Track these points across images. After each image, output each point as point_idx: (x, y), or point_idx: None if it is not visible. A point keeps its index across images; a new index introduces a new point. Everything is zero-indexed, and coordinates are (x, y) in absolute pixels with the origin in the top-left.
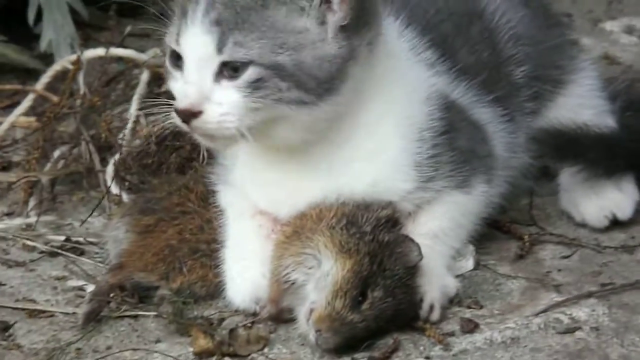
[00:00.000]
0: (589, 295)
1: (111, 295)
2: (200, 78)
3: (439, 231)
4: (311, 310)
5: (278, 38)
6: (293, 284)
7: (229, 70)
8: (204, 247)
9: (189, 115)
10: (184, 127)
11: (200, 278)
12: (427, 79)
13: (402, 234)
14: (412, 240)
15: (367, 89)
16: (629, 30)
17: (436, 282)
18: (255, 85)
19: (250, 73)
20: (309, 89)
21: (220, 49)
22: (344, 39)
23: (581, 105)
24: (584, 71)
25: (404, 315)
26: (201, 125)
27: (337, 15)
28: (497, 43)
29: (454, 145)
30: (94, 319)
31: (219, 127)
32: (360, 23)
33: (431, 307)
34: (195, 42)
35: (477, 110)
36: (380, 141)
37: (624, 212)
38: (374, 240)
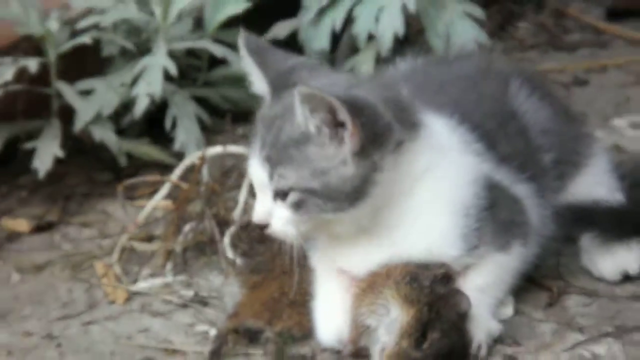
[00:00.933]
0: (607, 335)
1: (229, 337)
2: (264, 199)
3: (484, 285)
4: (383, 349)
5: (310, 168)
6: (368, 327)
7: (280, 194)
8: (299, 299)
9: (261, 227)
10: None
11: (296, 323)
12: (475, 166)
13: (454, 288)
14: (462, 293)
15: (411, 181)
16: (634, 126)
17: (483, 326)
18: (298, 204)
19: (292, 197)
20: (341, 200)
21: (271, 179)
22: (360, 159)
23: (596, 183)
24: (598, 156)
25: (458, 353)
26: (271, 232)
27: (347, 146)
28: (528, 136)
29: (496, 217)
30: (217, 357)
31: (284, 234)
32: (374, 145)
33: (479, 347)
34: (256, 172)
35: (516, 188)
36: (432, 218)
37: (633, 268)
38: (432, 293)
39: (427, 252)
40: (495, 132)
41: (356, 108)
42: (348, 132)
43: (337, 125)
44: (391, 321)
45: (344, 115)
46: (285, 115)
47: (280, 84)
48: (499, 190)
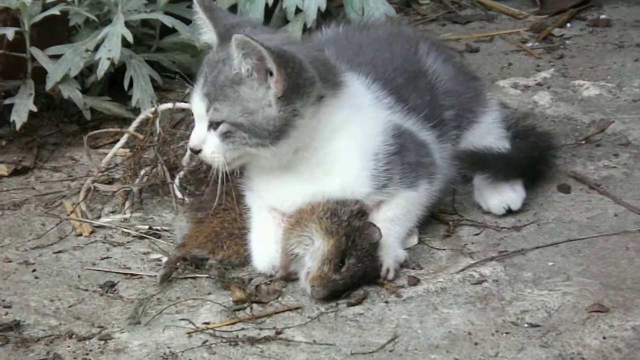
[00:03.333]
0: (492, 259)
1: (178, 264)
2: (200, 128)
3: (394, 218)
4: (308, 273)
5: (241, 106)
6: (296, 255)
7: (214, 125)
8: (237, 232)
9: (194, 152)
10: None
11: (235, 252)
12: (386, 118)
13: (368, 222)
14: (374, 226)
15: (330, 130)
16: (515, 86)
17: (391, 253)
18: (226, 135)
19: (222, 127)
20: (263, 137)
21: (207, 111)
22: (283, 105)
23: (488, 133)
24: (490, 111)
25: (370, 275)
26: (202, 158)
27: (272, 91)
28: (435, 92)
29: (405, 160)
30: (167, 279)
31: (212, 160)
32: (297, 94)
33: (387, 270)
34: (196, 105)
35: (423, 134)
36: (347, 162)
37: (516, 204)
38: (349, 226)
39: (343, 191)
40: (405, 86)
41: (283, 59)
42: (273, 78)
43: (266, 71)
44: (315, 250)
45: (270, 64)
46: (226, 59)
47: (226, 35)
48: (407, 137)
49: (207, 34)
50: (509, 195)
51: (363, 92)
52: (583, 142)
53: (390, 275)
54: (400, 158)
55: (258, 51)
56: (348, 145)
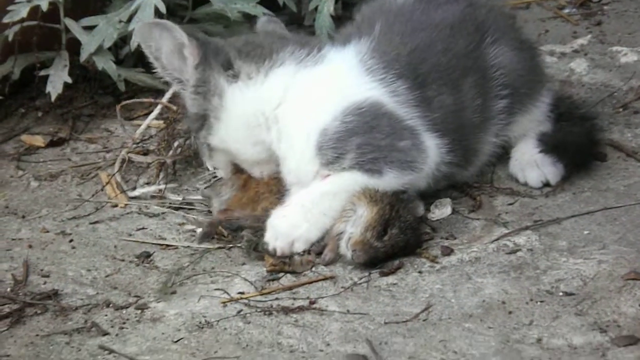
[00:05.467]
0: (526, 228)
1: (219, 226)
2: None
3: (325, 191)
4: (349, 239)
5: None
6: (341, 233)
7: None
8: (276, 189)
9: None
10: None
11: (273, 206)
12: (348, 97)
13: (413, 195)
14: (419, 200)
15: (271, 108)
16: (552, 54)
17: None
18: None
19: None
20: (199, 123)
21: None
22: (199, 75)
23: (536, 119)
24: (545, 97)
25: (411, 248)
26: None
27: (189, 60)
28: (489, 86)
29: (366, 141)
30: (207, 239)
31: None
32: (210, 62)
33: (274, 250)
34: None
35: (415, 122)
36: (294, 143)
37: (554, 179)
38: (394, 196)
39: (296, 169)
40: (439, 82)
41: (190, 31)
42: (187, 48)
43: (179, 49)
44: (357, 217)
45: (179, 33)
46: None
47: None
48: (381, 118)
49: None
50: (549, 169)
51: (334, 69)
52: (620, 109)
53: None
54: (360, 137)
55: (164, 26)
56: (293, 124)
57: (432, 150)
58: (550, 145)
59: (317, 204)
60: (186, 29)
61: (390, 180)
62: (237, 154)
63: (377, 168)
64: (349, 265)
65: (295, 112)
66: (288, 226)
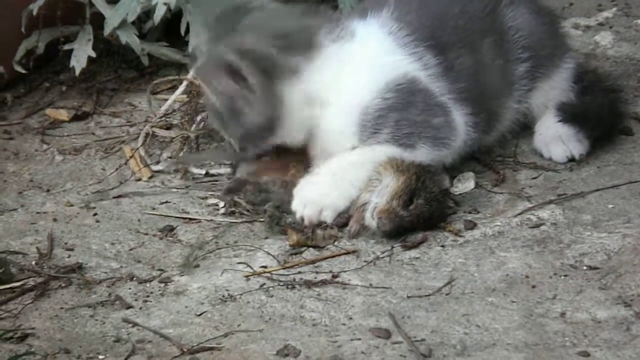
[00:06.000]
0: (550, 202)
1: (246, 186)
2: None
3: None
4: (374, 208)
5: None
6: (366, 203)
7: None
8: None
9: None
10: None
11: (302, 176)
12: (391, 70)
13: (439, 168)
14: (445, 173)
15: (318, 93)
16: (577, 27)
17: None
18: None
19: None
20: (261, 133)
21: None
22: (263, 92)
23: (557, 86)
24: (567, 63)
25: (436, 221)
26: None
27: (250, 81)
28: (508, 48)
29: (403, 116)
30: (232, 194)
31: None
32: (271, 79)
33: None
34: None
35: (445, 98)
36: (335, 120)
37: (579, 154)
38: (420, 166)
39: (334, 145)
40: (458, 46)
41: (247, 61)
42: (243, 71)
43: (236, 77)
44: (383, 186)
45: (240, 68)
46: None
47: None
48: (417, 93)
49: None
50: (575, 144)
51: (367, 43)
52: None
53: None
54: (398, 113)
55: (221, 66)
56: (335, 101)
57: (462, 127)
58: (570, 114)
59: (346, 173)
60: (233, 50)
61: (421, 155)
62: (283, 142)
63: (412, 142)
64: (373, 237)
65: (336, 91)
66: (317, 194)
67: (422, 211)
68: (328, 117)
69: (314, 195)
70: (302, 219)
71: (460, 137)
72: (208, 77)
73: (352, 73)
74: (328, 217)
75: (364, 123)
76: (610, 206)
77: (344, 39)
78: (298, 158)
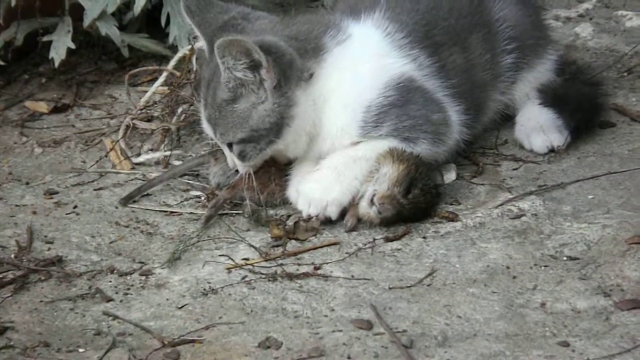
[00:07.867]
0: (531, 193)
1: (224, 205)
2: (225, 150)
3: (355, 157)
4: (374, 195)
5: (240, 121)
6: (361, 197)
7: (229, 145)
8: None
9: (236, 171)
10: None
11: (280, 190)
12: (390, 71)
13: (435, 164)
14: (440, 170)
15: (324, 96)
16: (556, 18)
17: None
18: (241, 154)
19: (235, 149)
20: (267, 136)
21: (215, 136)
22: (277, 95)
23: (540, 77)
24: (550, 55)
25: (426, 214)
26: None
27: (267, 83)
28: (495, 40)
29: (403, 112)
30: (211, 220)
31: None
32: (285, 78)
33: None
34: (206, 129)
35: (440, 94)
36: (337, 120)
37: (559, 145)
38: (419, 158)
39: (335, 142)
40: (448, 44)
41: (265, 47)
42: (264, 69)
43: (254, 68)
44: (381, 175)
45: (257, 54)
46: (216, 72)
47: (213, 41)
48: (415, 91)
49: (201, 41)
50: (555, 135)
51: (374, 44)
52: (625, 73)
53: (312, 218)
54: (398, 109)
55: (242, 44)
56: (338, 99)
57: (456, 125)
58: (550, 96)
59: (349, 168)
60: (259, 41)
61: (421, 151)
62: (287, 151)
63: (414, 136)
64: (368, 228)
65: (339, 91)
66: (321, 190)
67: (417, 202)
68: (332, 116)
69: (318, 193)
70: (309, 217)
71: (455, 135)
72: (229, 50)
73: (356, 74)
74: (333, 212)
75: (367, 120)
76: (590, 197)
77: (343, 41)
78: (278, 174)
